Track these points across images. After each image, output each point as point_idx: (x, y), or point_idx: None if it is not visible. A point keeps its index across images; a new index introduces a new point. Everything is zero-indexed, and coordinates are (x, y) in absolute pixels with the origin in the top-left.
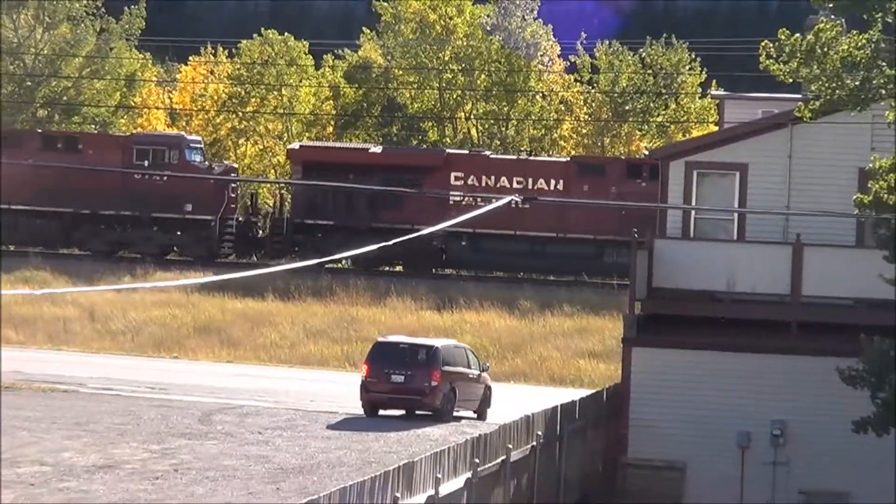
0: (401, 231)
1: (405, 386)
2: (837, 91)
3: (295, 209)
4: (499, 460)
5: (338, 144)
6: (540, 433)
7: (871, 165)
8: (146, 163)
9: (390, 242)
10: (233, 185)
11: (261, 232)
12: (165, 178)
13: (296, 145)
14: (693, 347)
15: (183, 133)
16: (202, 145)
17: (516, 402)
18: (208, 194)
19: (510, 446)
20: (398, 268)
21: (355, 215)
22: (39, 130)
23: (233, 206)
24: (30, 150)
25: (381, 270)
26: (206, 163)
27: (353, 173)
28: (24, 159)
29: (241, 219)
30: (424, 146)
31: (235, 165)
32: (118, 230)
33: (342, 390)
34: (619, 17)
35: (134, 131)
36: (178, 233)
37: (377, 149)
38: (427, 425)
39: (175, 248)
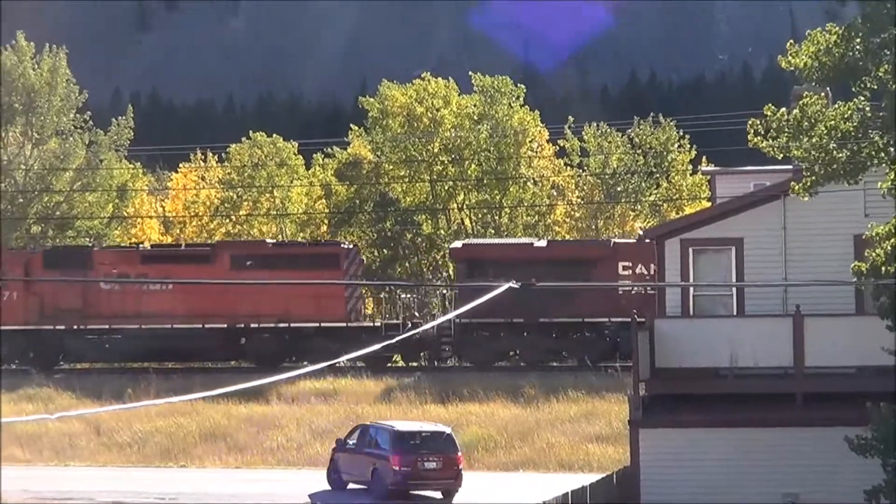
0: None
1: (438, 471)
2: (829, 166)
3: None
4: None
5: None
6: None
7: (867, 233)
8: None
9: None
10: None
11: None
12: None
13: None
14: (700, 426)
15: None
16: None
17: (526, 490)
18: None
19: None
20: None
21: None
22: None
23: None
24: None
25: (385, 367)
26: None
27: None
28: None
29: None
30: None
31: None
32: None
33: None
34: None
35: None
36: None
37: None
38: None
39: None
